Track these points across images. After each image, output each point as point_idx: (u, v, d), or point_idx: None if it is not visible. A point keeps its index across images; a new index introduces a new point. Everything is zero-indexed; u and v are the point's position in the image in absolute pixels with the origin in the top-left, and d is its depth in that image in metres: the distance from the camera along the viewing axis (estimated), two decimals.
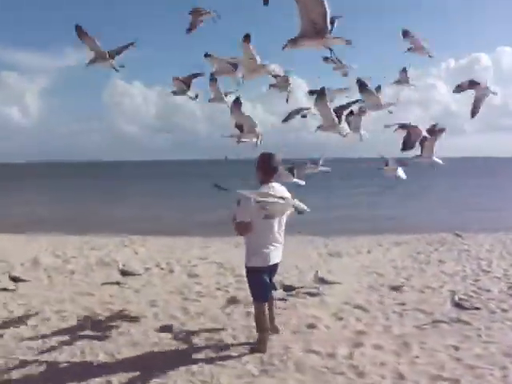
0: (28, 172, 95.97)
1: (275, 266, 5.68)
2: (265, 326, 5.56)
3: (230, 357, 5.33)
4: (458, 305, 6.67)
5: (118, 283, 8.43)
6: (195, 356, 5.37)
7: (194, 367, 5.06)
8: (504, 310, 6.80)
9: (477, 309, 6.73)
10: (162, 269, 9.88)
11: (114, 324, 6.46)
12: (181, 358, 5.33)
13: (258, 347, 5.48)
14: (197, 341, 5.83)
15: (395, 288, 8.05)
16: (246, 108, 6.74)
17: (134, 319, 6.65)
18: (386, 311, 6.89)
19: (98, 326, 6.38)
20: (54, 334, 6.13)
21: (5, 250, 11.92)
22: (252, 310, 6.75)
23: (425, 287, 8.13)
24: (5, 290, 7.97)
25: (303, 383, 4.74)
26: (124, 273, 8.49)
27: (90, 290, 8.12)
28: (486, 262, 10.10)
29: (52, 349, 5.63)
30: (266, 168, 5.57)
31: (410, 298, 7.49)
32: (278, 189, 5.53)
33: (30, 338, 5.96)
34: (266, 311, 5.64)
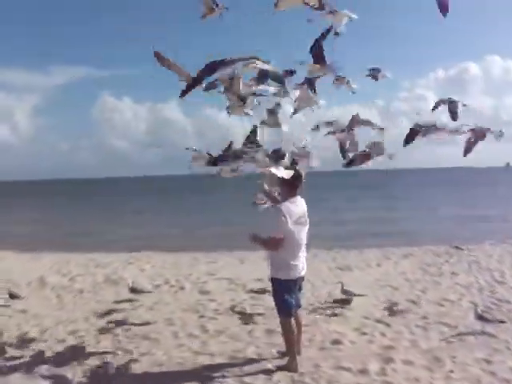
0: (23, 190, 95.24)
1: (302, 278, 5.59)
2: (294, 342, 5.45)
3: (259, 376, 5.22)
4: (481, 317, 6.59)
5: (129, 301, 8.29)
6: (224, 376, 5.25)
7: None
8: None
9: (501, 322, 6.64)
10: (172, 286, 9.74)
11: (134, 344, 6.32)
12: (209, 378, 5.21)
13: (288, 366, 5.38)
14: (221, 360, 5.71)
15: (413, 302, 7.97)
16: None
17: (153, 339, 6.51)
18: (408, 325, 6.80)
19: (117, 347, 6.25)
20: (73, 355, 5.99)
21: (9, 269, 11.76)
22: (272, 327, 6.72)
23: (442, 300, 8.05)
24: (20, 311, 7.85)
25: None
26: (134, 290, 8.41)
27: (103, 309, 7.98)
28: (498, 272, 10.03)
29: (72, 371, 5.51)
30: (292, 183, 5.49)
31: (430, 311, 7.40)
32: (300, 202, 5.50)
33: (49, 360, 5.86)
34: (294, 326, 5.51)
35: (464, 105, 6.17)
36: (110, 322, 7.28)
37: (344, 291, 7.96)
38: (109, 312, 7.82)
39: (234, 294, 8.86)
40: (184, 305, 8.18)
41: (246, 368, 5.43)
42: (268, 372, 5.31)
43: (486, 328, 6.44)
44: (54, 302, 8.61)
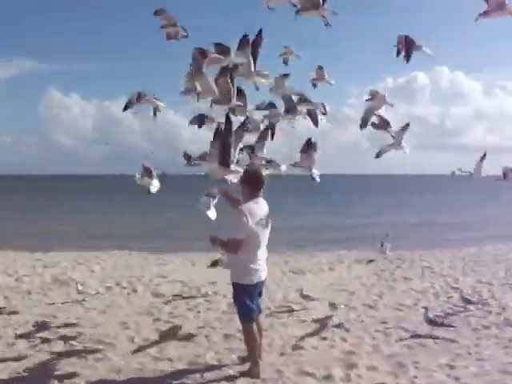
0: None
1: (263, 282, 5.42)
2: (256, 348, 5.28)
3: (221, 383, 5.03)
4: (431, 321, 6.56)
5: (80, 303, 8.00)
6: (185, 383, 5.03)
7: None
8: (486, 327, 6.78)
9: (451, 326, 6.64)
10: (124, 288, 9.44)
11: (88, 349, 6.02)
12: None
13: (250, 372, 5.21)
14: (181, 366, 5.49)
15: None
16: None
17: (108, 343, 6.22)
18: (368, 330, 6.75)
19: (71, 352, 5.92)
20: (23, 361, 5.61)
21: None
22: (229, 331, 6.56)
23: (399, 305, 8.07)
24: None
25: None
26: (84, 293, 8.15)
27: (53, 312, 7.62)
28: (451, 278, 10.14)
29: (25, 380, 5.16)
30: (254, 183, 5.33)
31: (388, 316, 7.37)
32: (262, 203, 5.33)
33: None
34: (256, 332, 5.34)
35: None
36: (62, 326, 6.94)
37: (303, 296, 7.88)
38: (59, 315, 7.46)
39: (189, 298, 8.64)
40: (138, 308, 7.93)
41: (208, 374, 5.22)
42: (230, 378, 5.12)
43: (445, 333, 6.43)
44: (2, 303, 8.16)
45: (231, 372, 5.29)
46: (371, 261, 12.17)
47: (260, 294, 5.48)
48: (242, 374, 5.20)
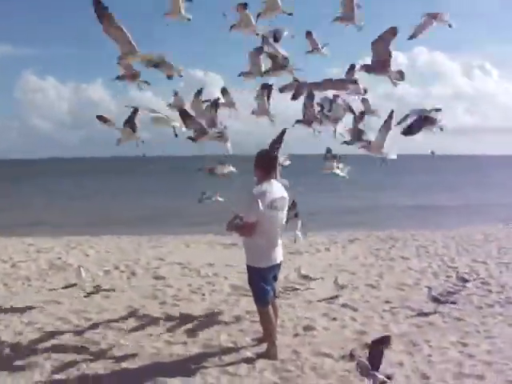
0: None
1: (278, 265, 5.45)
2: (273, 330, 5.33)
3: (241, 365, 5.06)
4: (435, 299, 6.67)
5: (82, 289, 7.94)
6: (205, 366, 5.06)
7: (211, 379, 4.76)
8: (489, 305, 6.92)
9: (453, 303, 6.80)
10: (123, 271, 9.40)
11: (99, 335, 6.01)
12: (189, 369, 4.99)
13: (267, 353, 5.25)
14: (197, 349, 5.52)
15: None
16: None
17: (117, 329, 6.22)
18: (375, 310, 6.84)
19: (81, 339, 5.88)
20: (32, 350, 5.56)
21: None
22: (238, 313, 6.61)
23: (400, 284, 8.16)
24: None
25: None
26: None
27: (56, 298, 7.56)
28: (447, 258, 10.27)
29: (40, 367, 5.10)
30: (266, 165, 5.33)
31: (391, 296, 7.47)
32: (277, 186, 5.33)
33: (8, 357, 5.40)
34: (272, 314, 5.38)
35: None
36: (68, 312, 6.90)
37: (302, 276, 7.93)
38: (63, 301, 7.43)
39: (191, 280, 8.65)
40: (141, 291, 7.90)
41: (225, 357, 5.25)
42: (248, 360, 5.16)
43: (451, 312, 6.57)
44: (2, 290, 8.09)
45: (248, 354, 5.33)
46: None
47: (275, 278, 5.51)
48: (260, 356, 5.25)
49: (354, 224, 17.14)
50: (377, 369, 4.30)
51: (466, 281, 7.79)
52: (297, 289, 7.88)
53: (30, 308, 7.06)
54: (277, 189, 5.28)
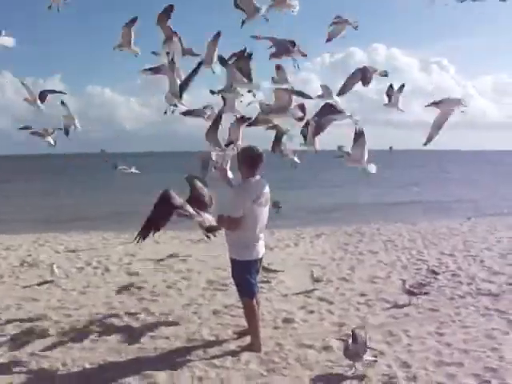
0: None
1: (261, 259, 5.54)
2: (257, 323, 5.41)
3: (226, 358, 5.12)
4: (409, 291, 6.86)
5: (58, 286, 7.89)
6: (190, 359, 5.10)
7: (198, 372, 4.80)
8: (461, 297, 7.13)
9: (426, 293, 7.02)
10: (96, 268, 9.34)
11: (81, 331, 5.99)
12: (175, 362, 5.03)
13: (252, 346, 5.33)
14: (180, 343, 5.55)
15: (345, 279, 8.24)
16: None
17: (99, 324, 6.22)
18: (351, 302, 6.98)
19: (64, 335, 5.87)
20: (15, 347, 5.51)
21: None
22: (216, 307, 6.68)
23: (373, 277, 8.33)
24: None
25: (319, 380, 4.66)
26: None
27: (32, 295, 7.49)
28: (415, 251, 10.50)
29: (25, 363, 5.09)
30: (252, 162, 5.40)
31: (366, 289, 7.63)
32: (262, 182, 5.41)
33: None
34: (257, 307, 5.47)
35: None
36: (46, 309, 6.84)
37: (263, 268, 8.03)
38: (40, 297, 7.37)
39: (165, 275, 8.66)
40: (117, 287, 7.88)
41: (209, 350, 5.31)
42: (233, 353, 5.22)
43: (425, 303, 6.75)
44: None
45: (232, 347, 5.40)
46: None
47: (257, 272, 5.59)
48: (244, 349, 5.32)
49: (319, 220, 17.37)
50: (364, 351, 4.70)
51: (437, 273, 8.01)
52: (271, 283, 7.94)
53: (7, 305, 6.98)
54: (261, 184, 5.37)
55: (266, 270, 8.04)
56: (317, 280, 7.64)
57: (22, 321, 6.36)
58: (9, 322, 6.33)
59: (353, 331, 4.85)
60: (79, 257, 10.37)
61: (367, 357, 4.77)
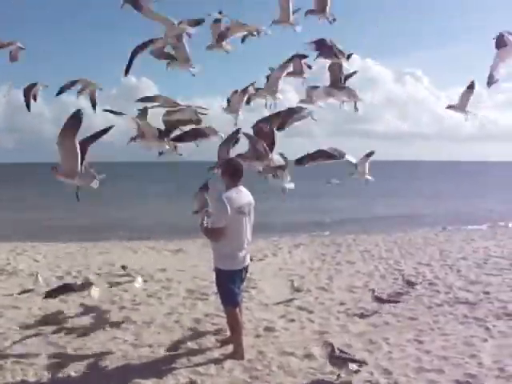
0: None
1: (246, 268, 5.60)
2: (240, 331, 5.46)
3: (210, 366, 5.16)
4: (378, 298, 7.01)
5: (38, 294, 7.80)
6: (175, 367, 5.13)
7: (183, 379, 4.84)
8: (439, 305, 7.25)
9: (397, 302, 7.22)
10: (76, 277, 9.33)
11: (63, 339, 5.98)
12: (160, 370, 5.06)
13: (234, 353, 5.38)
14: (163, 352, 5.59)
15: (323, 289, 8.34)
16: None
17: (81, 332, 6.20)
18: (331, 311, 7.05)
19: (48, 343, 5.84)
20: (2, 355, 5.49)
21: None
22: (197, 315, 6.72)
23: (351, 287, 8.42)
24: None
25: None
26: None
27: (13, 303, 7.48)
28: (392, 261, 10.65)
29: (10, 370, 5.07)
30: (233, 173, 5.47)
31: (344, 298, 7.71)
32: (244, 192, 5.48)
33: None
34: (240, 315, 5.52)
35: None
36: (29, 317, 6.82)
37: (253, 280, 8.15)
38: (21, 305, 7.35)
39: (145, 285, 8.64)
40: (99, 297, 7.83)
41: (193, 358, 5.34)
42: (217, 361, 5.27)
43: (404, 312, 6.86)
44: None
45: (215, 355, 5.45)
46: None
47: (242, 281, 5.64)
48: (227, 356, 5.36)
49: (297, 229, 17.48)
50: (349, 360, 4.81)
51: (413, 284, 8.13)
52: (251, 293, 7.98)
53: None
54: (244, 195, 5.44)
55: (253, 281, 8.16)
56: (297, 290, 7.73)
57: (4, 328, 6.35)
58: None
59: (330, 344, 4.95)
60: (59, 266, 10.32)
61: (352, 365, 4.83)
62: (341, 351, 4.90)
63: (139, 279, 8.52)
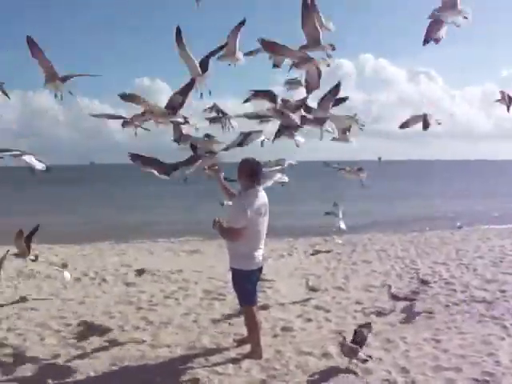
0: None
1: (261, 269, 5.63)
2: (258, 331, 5.48)
3: (228, 365, 5.20)
4: (394, 296, 7.03)
5: (55, 295, 8.00)
6: (192, 367, 5.17)
7: (201, 379, 4.88)
8: (456, 304, 7.23)
9: (413, 299, 7.25)
10: (93, 278, 9.42)
11: (83, 339, 6.04)
12: (178, 370, 5.11)
13: (252, 353, 5.41)
14: (181, 352, 5.62)
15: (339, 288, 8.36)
16: None
17: (100, 333, 6.27)
18: (348, 310, 7.07)
19: (66, 345, 5.90)
20: (18, 357, 5.55)
21: None
22: (214, 316, 6.75)
23: (368, 286, 8.42)
24: None
25: None
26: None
27: (31, 305, 7.56)
28: (408, 260, 10.64)
29: (29, 373, 5.14)
30: (252, 174, 5.49)
31: (361, 297, 7.72)
32: (262, 193, 5.51)
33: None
34: (257, 315, 5.55)
35: None
36: (46, 318, 6.89)
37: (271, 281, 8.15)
38: (39, 307, 7.42)
39: (162, 285, 8.73)
40: (115, 297, 7.94)
41: (211, 358, 5.38)
42: (234, 360, 5.29)
43: (420, 310, 6.86)
44: None
45: (233, 354, 5.48)
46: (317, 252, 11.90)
47: (258, 280, 5.67)
48: (245, 356, 5.40)
49: (312, 230, 17.45)
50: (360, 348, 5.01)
51: (428, 282, 8.11)
52: (267, 293, 8.00)
53: (7, 315, 7.03)
54: (261, 196, 5.47)
55: (272, 281, 8.24)
56: (312, 289, 7.73)
57: (23, 330, 6.41)
58: (10, 330, 6.41)
59: (355, 330, 5.18)
60: (76, 267, 10.39)
61: (362, 355, 4.96)
62: (353, 341, 5.04)
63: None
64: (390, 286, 7.19)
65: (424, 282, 8.08)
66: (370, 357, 5.06)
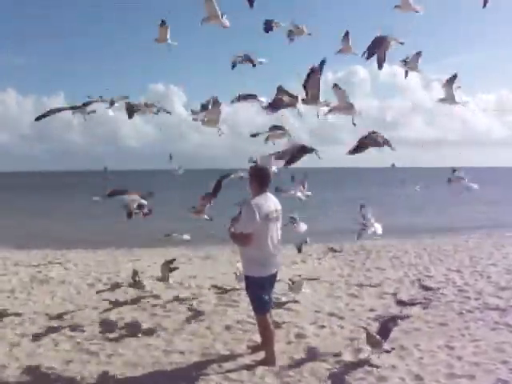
0: None
1: (275, 275, 5.65)
2: (272, 338, 5.50)
3: (241, 372, 5.24)
4: (400, 302, 7.08)
5: (72, 302, 8.03)
6: (206, 373, 5.22)
7: None
8: (469, 311, 7.23)
9: (420, 303, 7.43)
10: (106, 284, 9.48)
11: (97, 345, 6.11)
12: (191, 376, 5.16)
13: (267, 360, 5.43)
14: (195, 358, 5.66)
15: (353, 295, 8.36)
16: None
17: (113, 339, 6.34)
18: (361, 317, 7.08)
19: (80, 350, 5.98)
20: (32, 360, 5.65)
21: None
22: (228, 322, 6.78)
23: (381, 293, 8.42)
24: None
25: None
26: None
27: (44, 310, 7.65)
28: (422, 267, 10.63)
29: (44, 378, 5.24)
30: (262, 180, 5.54)
31: (374, 304, 7.72)
32: (272, 199, 5.55)
33: (6, 368, 5.44)
34: (270, 322, 5.57)
35: None
36: (62, 324, 6.96)
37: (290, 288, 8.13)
38: (52, 313, 7.50)
39: (176, 292, 8.76)
40: (128, 303, 7.99)
41: (225, 364, 5.42)
42: (248, 367, 5.34)
43: (434, 318, 6.86)
44: None
45: (247, 361, 5.51)
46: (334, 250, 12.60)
47: (272, 286, 5.69)
48: (259, 363, 5.43)
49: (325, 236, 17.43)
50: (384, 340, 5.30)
51: (430, 289, 8.07)
52: (280, 299, 8.02)
53: (21, 320, 7.11)
54: (272, 201, 5.50)
55: (290, 288, 8.11)
56: (329, 295, 7.78)
57: (36, 335, 6.49)
58: (23, 335, 6.49)
59: (381, 322, 5.58)
60: (89, 273, 10.48)
61: (386, 347, 5.28)
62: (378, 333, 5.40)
63: None
64: (395, 294, 7.24)
65: (426, 288, 8.06)
66: (393, 348, 5.43)
